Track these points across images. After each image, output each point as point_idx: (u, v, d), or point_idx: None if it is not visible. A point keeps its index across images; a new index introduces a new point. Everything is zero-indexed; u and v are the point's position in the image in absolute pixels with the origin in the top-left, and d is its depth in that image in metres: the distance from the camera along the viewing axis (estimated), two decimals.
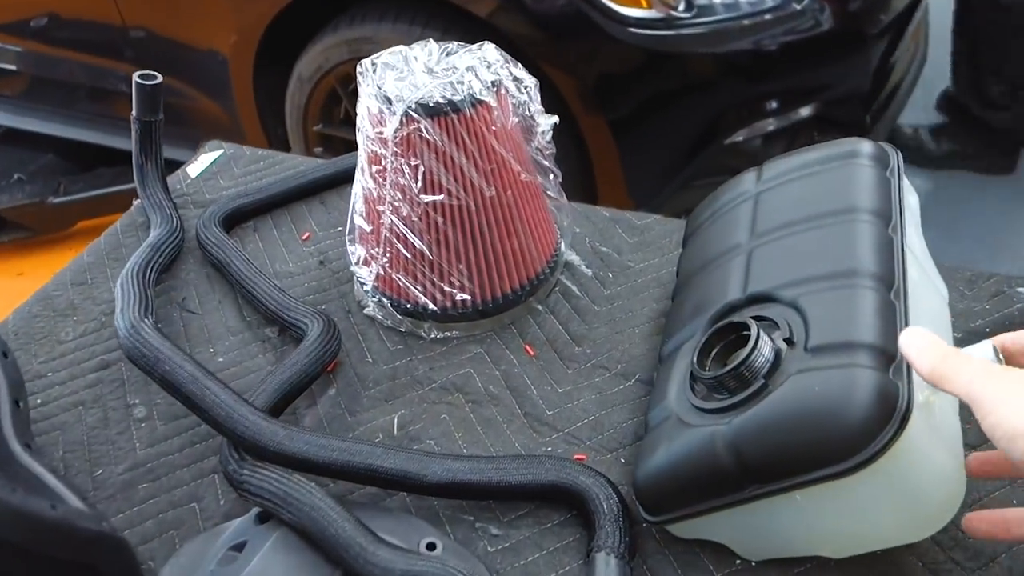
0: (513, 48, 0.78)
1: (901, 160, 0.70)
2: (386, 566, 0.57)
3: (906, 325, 0.57)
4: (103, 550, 0.52)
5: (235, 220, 0.96)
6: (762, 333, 0.58)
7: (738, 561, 0.62)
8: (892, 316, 0.57)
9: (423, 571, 0.56)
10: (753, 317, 0.61)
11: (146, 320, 0.73)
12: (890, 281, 0.60)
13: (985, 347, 0.54)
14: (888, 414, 0.52)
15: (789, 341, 0.58)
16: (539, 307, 0.83)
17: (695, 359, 0.62)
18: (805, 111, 1.82)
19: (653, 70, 1.73)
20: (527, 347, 0.80)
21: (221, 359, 0.82)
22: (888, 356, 0.55)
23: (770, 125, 1.79)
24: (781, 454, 0.55)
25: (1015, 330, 0.76)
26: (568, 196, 0.86)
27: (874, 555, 0.60)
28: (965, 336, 0.76)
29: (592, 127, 1.77)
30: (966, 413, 0.68)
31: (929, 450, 0.55)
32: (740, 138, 1.77)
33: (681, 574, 0.62)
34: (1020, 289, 0.80)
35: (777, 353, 0.58)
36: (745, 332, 0.59)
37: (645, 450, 0.63)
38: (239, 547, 0.63)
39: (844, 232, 0.63)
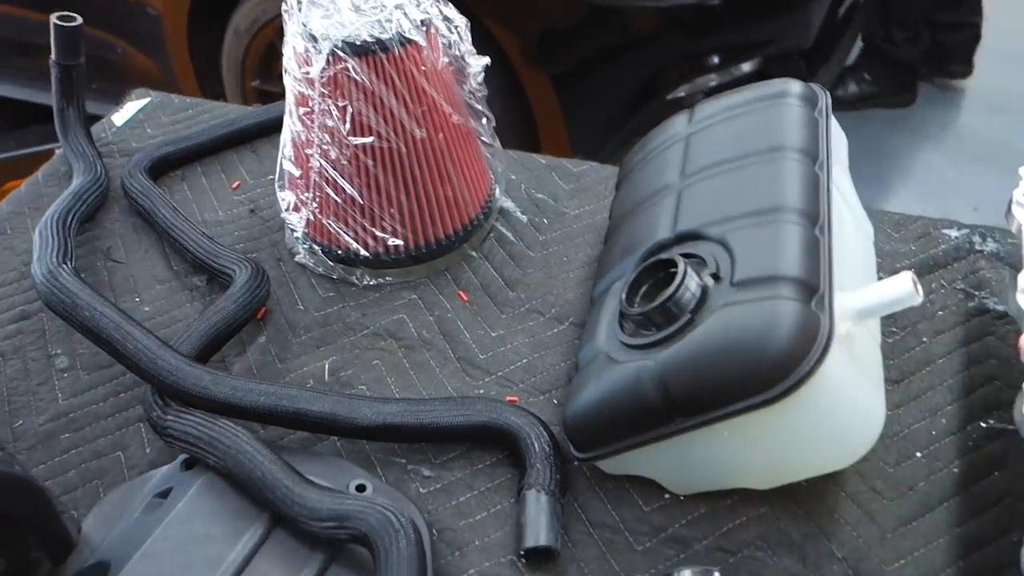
0: (455, 2, 0.76)
1: (829, 100, 0.70)
2: (313, 506, 0.56)
3: (830, 260, 0.58)
4: (13, 493, 0.51)
5: (162, 169, 0.94)
6: (689, 269, 0.58)
7: (667, 495, 0.63)
8: (816, 250, 0.58)
9: (350, 510, 0.55)
10: (682, 255, 0.61)
11: (64, 266, 0.71)
12: (815, 216, 0.60)
13: (904, 278, 0.55)
14: (809, 344, 0.53)
15: (716, 276, 0.59)
16: (473, 253, 0.83)
17: (624, 296, 0.62)
18: (747, 67, 1.83)
19: (596, 24, 1.72)
20: (461, 293, 0.79)
21: (147, 308, 0.80)
22: (811, 288, 0.55)
23: (712, 81, 1.80)
24: (706, 386, 0.55)
25: (940, 270, 0.78)
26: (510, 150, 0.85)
27: (798, 486, 0.61)
28: (892, 274, 0.77)
29: (534, 82, 1.76)
30: (887, 348, 0.69)
31: (850, 380, 0.56)
32: (682, 94, 1.77)
33: (611, 510, 0.63)
34: (946, 230, 0.82)
35: (704, 288, 0.58)
36: (672, 269, 0.59)
37: (575, 389, 0.63)
38: (164, 494, 0.62)
39: (771, 170, 0.64)
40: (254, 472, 0.58)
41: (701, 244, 0.62)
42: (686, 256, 0.61)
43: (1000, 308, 0.74)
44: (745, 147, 0.67)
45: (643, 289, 0.62)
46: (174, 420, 0.63)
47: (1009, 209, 0.68)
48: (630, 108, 1.76)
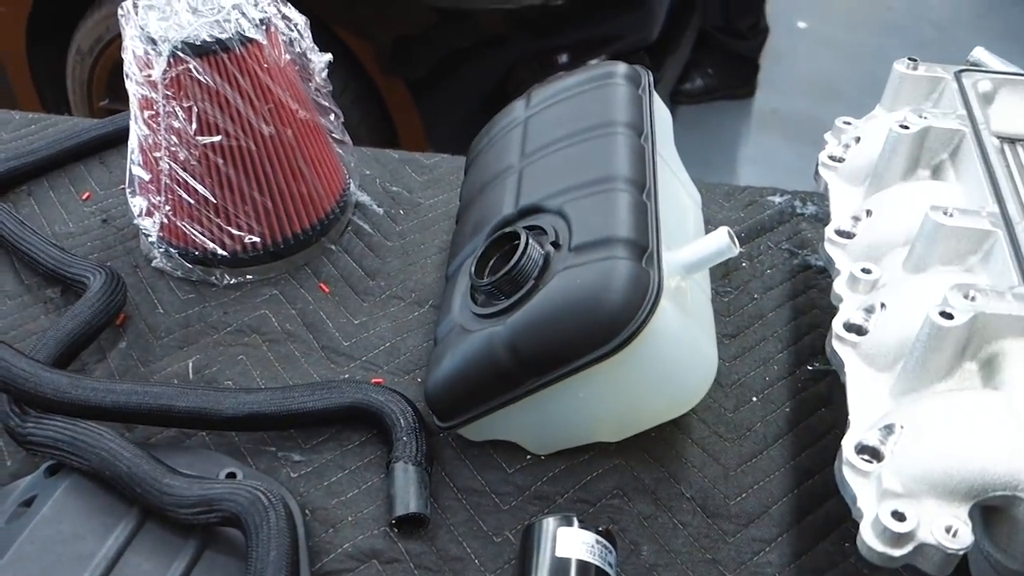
0: (306, 13, 0.78)
1: (651, 79, 0.76)
2: (181, 494, 0.57)
3: (657, 222, 0.63)
4: None
5: (6, 185, 0.91)
6: (531, 239, 0.62)
7: (528, 456, 0.67)
8: (644, 214, 0.63)
9: (218, 493, 0.56)
10: (524, 227, 0.65)
11: None
12: (642, 184, 0.65)
13: (720, 233, 0.60)
14: (641, 298, 0.57)
15: (556, 244, 0.63)
16: (332, 246, 0.85)
17: (473, 270, 0.65)
18: (594, 63, 1.90)
19: (446, 29, 1.76)
20: (322, 285, 0.81)
21: (0, 323, 0.78)
22: (641, 248, 0.60)
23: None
24: (552, 345, 0.59)
25: (767, 233, 0.85)
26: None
27: (648, 436, 0.66)
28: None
29: (391, 88, 1.78)
30: (723, 306, 0.75)
31: (683, 330, 0.61)
32: None
33: (477, 475, 0.66)
34: (770, 197, 0.89)
35: (546, 256, 0.62)
36: (516, 241, 0.63)
37: (433, 362, 0.66)
38: (29, 502, 0.61)
39: (602, 144, 0.68)
40: (119, 468, 0.59)
41: (542, 216, 0.66)
42: (528, 228, 0.65)
43: (820, 263, 0.81)
44: (578, 125, 0.71)
45: (491, 263, 0.66)
46: (34, 427, 0.63)
47: (816, 171, 0.75)
48: (484, 108, 1.80)
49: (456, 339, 0.64)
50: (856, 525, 0.59)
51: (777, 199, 0.88)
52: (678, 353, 0.61)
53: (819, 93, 2.62)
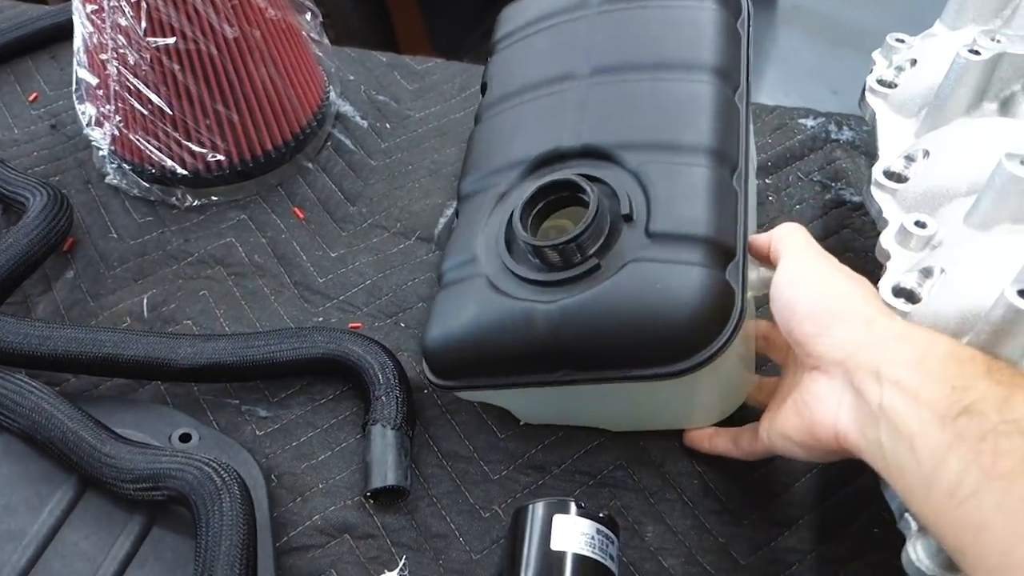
0: None
1: (751, 10, 0.63)
2: (124, 466, 0.50)
3: (746, 217, 0.52)
4: None
5: None
6: (602, 207, 0.51)
7: (522, 423, 0.59)
8: (734, 206, 0.52)
9: (166, 467, 0.49)
10: (588, 176, 0.53)
11: None
12: (733, 162, 0.53)
13: None
14: (723, 321, 0.48)
15: (628, 218, 0.51)
16: (309, 164, 0.75)
17: (519, 216, 0.53)
18: None
19: None
20: (296, 210, 0.72)
21: None
22: (727, 253, 0.50)
23: None
24: (606, 345, 0.49)
25: (796, 161, 0.75)
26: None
27: None
28: None
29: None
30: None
31: (740, 348, 0.52)
32: None
33: (464, 439, 0.59)
34: (802, 120, 0.79)
35: (613, 229, 0.51)
36: (581, 196, 0.52)
37: (441, 308, 0.55)
38: None
39: (691, 94, 0.56)
40: (53, 432, 0.51)
41: (610, 169, 0.54)
42: (592, 180, 0.53)
43: (856, 199, 0.72)
44: (662, 53, 0.58)
45: (538, 207, 0.54)
46: None
47: (863, 96, 0.65)
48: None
49: (483, 295, 0.53)
50: (888, 508, 0.53)
51: (809, 122, 0.79)
52: (732, 375, 0.53)
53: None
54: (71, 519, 0.51)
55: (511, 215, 0.53)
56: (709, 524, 0.55)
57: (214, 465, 0.49)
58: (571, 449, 0.58)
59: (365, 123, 0.79)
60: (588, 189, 0.51)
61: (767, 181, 0.74)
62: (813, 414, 0.44)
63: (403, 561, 0.53)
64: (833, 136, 0.78)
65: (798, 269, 0.48)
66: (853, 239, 0.70)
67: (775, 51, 2.26)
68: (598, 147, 0.55)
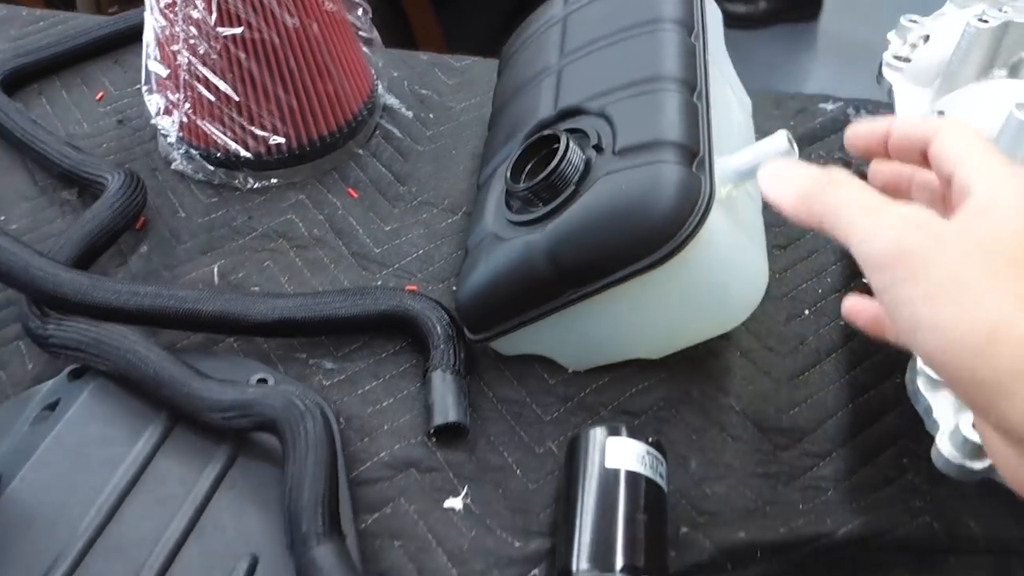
0: None
1: None
2: (213, 397, 0.54)
3: (708, 125, 0.58)
4: None
5: (16, 84, 0.87)
6: (571, 142, 0.58)
7: (570, 371, 0.64)
8: (695, 116, 0.58)
9: (253, 397, 0.54)
10: (564, 130, 0.61)
11: None
12: (692, 84, 0.60)
13: (779, 136, 0.55)
14: (692, 205, 0.53)
15: (598, 148, 0.58)
16: (360, 151, 0.81)
17: (509, 175, 0.61)
18: None
19: None
20: (350, 190, 0.77)
21: (15, 227, 0.75)
22: (691, 152, 0.55)
23: None
24: (594, 254, 0.55)
25: (818, 142, 0.80)
26: None
27: (695, 350, 0.63)
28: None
29: (414, 3, 1.71)
30: (772, 217, 0.71)
31: (732, 241, 0.57)
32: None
33: (517, 385, 0.63)
34: (822, 105, 0.84)
35: (587, 160, 0.58)
36: (555, 144, 0.59)
37: (465, 271, 0.62)
38: (52, 406, 0.59)
39: (648, 41, 0.63)
40: (146, 371, 0.56)
41: (583, 119, 0.62)
42: (569, 131, 0.60)
43: None
44: (623, 21, 0.66)
45: (528, 167, 0.61)
46: (56, 329, 0.60)
47: (880, 72, 0.71)
48: (509, 14, 1.74)
49: (490, 248, 0.60)
50: (915, 440, 0.57)
51: (829, 106, 0.84)
52: (727, 265, 0.57)
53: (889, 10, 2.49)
54: (164, 448, 0.55)
55: (505, 176, 0.61)
56: (749, 456, 0.59)
57: (296, 393, 0.54)
58: (617, 391, 0.62)
59: (410, 114, 0.85)
60: (556, 134, 0.59)
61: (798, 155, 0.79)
62: None
63: (466, 489, 0.57)
64: (852, 118, 0.83)
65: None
66: None
67: (816, 79, 2.28)
68: (569, 107, 0.63)
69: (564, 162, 0.57)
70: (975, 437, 0.43)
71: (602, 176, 0.56)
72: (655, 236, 0.53)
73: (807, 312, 0.68)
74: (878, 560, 0.54)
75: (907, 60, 0.69)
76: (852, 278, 0.70)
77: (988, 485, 0.46)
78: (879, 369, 0.64)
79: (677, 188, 0.53)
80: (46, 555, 0.50)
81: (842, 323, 0.67)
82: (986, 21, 0.62)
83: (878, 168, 0.43)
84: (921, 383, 0.47)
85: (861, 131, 0.43)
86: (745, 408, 0.62)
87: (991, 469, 0.43)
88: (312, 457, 0.51)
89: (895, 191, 0.40)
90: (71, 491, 0.53)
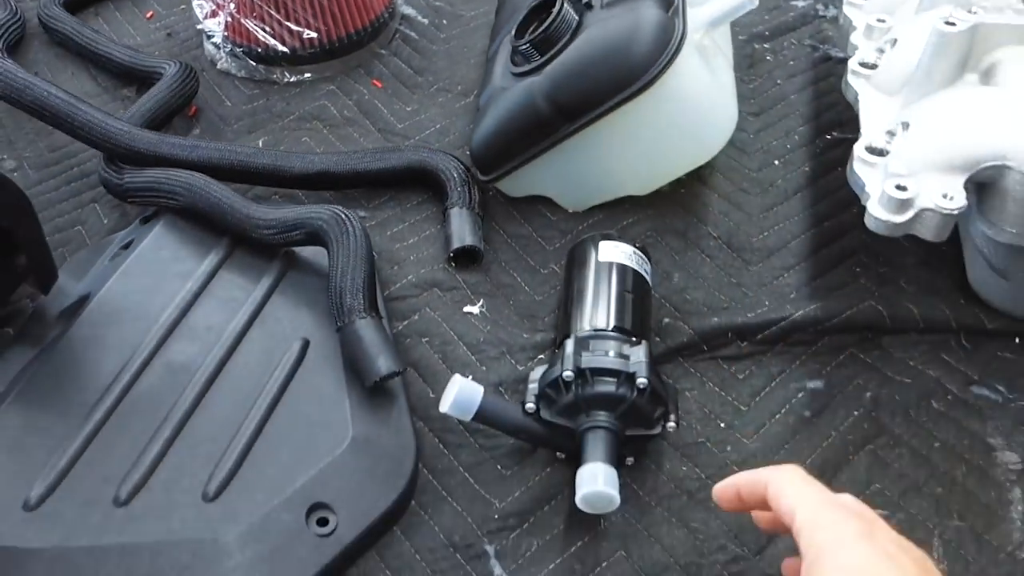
0: None
1: None
2: (269, 217, 0.65)
3: None
4: (7, 199, 0.58)
5: (75, 6, 0.98)
6: (565, 3, 0.68)
7: (570, 210, 0.74)
8: None
9: (303, 214, 0.64)
10: None
11: (5, 60, 0.76)
12: None
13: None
14: (666, 43, 0.63)
15: (588, 5, 0.69)
16: (382, 51, 0.91)
17: (513, 33, 0.71)
18: None
19: None
20: (375, 81, 0.88)
21: None
22: (667, 2, 0.66)
23: None
24: (585, 89, 0.65)
25: (790, 32, 0.90)
26: None
27: (677, 192, 0.73)
28: (749, 38, 0.89)
29: None
30: (748, 92, 0.81)
31: (704, 79, 0.67)
32: None
33: (524, 223, 0.73)
34: (793, 2, 0.94)
35: (579, 16, 0.68)
36: (552, 6, 0.69)
37: (476, 124, 0.73)
38: (127, 246, 0.69)
39: None
40: (212, 200, 0.66)
41: None
42: None
43: (841, 55, 0.87)
44: None
45: (530, 30, 0.71)
46: (131, 177, 0.70)
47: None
48: None
49: (498, 98, 0.70)
50: (869, 255, 0.66)
51: (800, 3, 0.93)
52: (700, 97, 0.67)
53: None
54: (226, 265, 0.66)
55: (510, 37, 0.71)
56: (724, 270, 0.69)
57: (338, 208, 0.64)
58: (610, 224, 0.72)
59: (426, 21, 0.95)
60: None
61: (765, 46, 0.89)
62: None
63: (481, 301, 0.67)
64: (821, 13, 0.93)
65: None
66: (839, 82, 0.83)
67: None
68: None
69: (559, 18, 0.67)
70: (899, 195, 0.52)
71: (591, 25, 0.66)
72: (636, 69, 0.63)
73: (776, 163, 0.77)
74: (833, 343, 0.64)
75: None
76: (818, 135, 0.79)
77: (911, 239, 0.55)
78: (840, 203, 0.73)
79: (654, 28, 0.63)
80: (134, 338, 0.60)
81: (807, 169, 0.76)
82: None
83: (759, 517, 0.48)
84: (858, 166, 0.56)
85: (720, 494, 0.47)
86: (721, 235, 0.71)
87: (911, 223, 0.53)
88: (354, 252, 0.61)
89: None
90: (151, 295, 0.63)
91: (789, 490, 0.42)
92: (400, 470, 0.56)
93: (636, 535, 0.54)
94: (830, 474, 0.57)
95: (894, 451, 0.58)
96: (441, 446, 0.59)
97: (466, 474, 0.57)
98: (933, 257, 0.68)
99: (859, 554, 0.38)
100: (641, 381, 0.52)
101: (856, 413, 0.60)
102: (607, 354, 0.54)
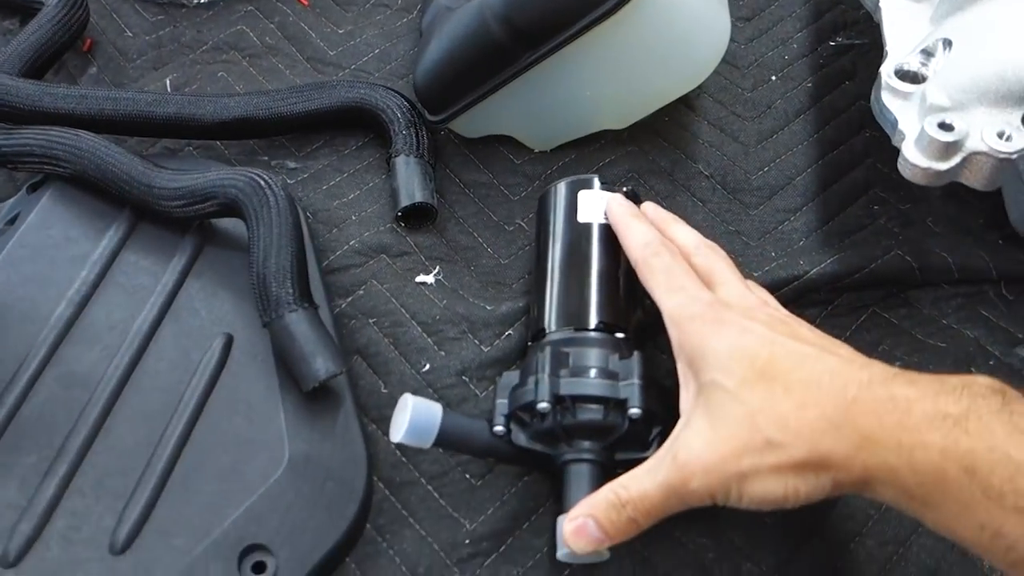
0: None
1: None
2: (172, 186, 0.54)
3: None
4: None
5: None
6: None
7: (536, 150, 0.63)
8: None
9: (214, 181, 0.53)
10: None
11: None
12: None
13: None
14: None
15: None
16: None
17: None
18: None
19: None
20: None
21: None
22: None
23: None
24: (547, 8, 0.54)
25: None
26: None
27: (660, 122, 0.64)
28: None
29: None
30: None
31: None
32: None
33: (483, 168, 0.62)
34: None
35: None
36: None
37: (419, 51, 0.61)
38: (13, 220, 0.58)
39: None
40: (104, 166, 0.55)
41: None
42: None
43: None
44: None
45: None
46: (5, 139, 0.58)
47: None
48: None
49: (443, 21, 0.59)
50: (886, 188, 0.56)
51: None
52: (685, 13, 0.55)
53: None
54: (129, 244, 0.55)
55: None
56: (719, 216, 0.59)
57: (257, 172, 0.53)
58: (584, 167, 0.62)
59: None
60: None
61: None
62: None
63: (437, 268, 0.57)
64: None
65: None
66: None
67: None
68: None
69: None
70: (943, 136, 0.42)
71: None
72: None
73: (774, 78, 0.66)
74: (853, 301, 0.55)
75: None
76: (819, 43, 0.68)
77: (954, 188, 0.45)
78: (849, 125, 0.63)
79: None
80: (20, 346, 0.50)
81: (810, 85, 0.66)
82: None
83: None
84: (886, 97, 0.46)
85: None
86: (714, 173, 0.61)
87: (957, 170, 0.43)
88: (277, 228, 0.50)
89: None
90: (39, 288, 0.52)
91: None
92: (350, 492, 0.47)
93: (634, 557, 0.45)
94: None
95: None
96: (398, 454, 0.50)
97: (429, 487, 0.48)
98: (960, 186, 0.58)
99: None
100: (634, 411, 0.42)
101: None
102: (590, 374, 0.44)
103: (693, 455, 0.38)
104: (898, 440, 0.34)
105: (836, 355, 0.38)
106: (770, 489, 0.36)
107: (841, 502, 0.46)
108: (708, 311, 0.41)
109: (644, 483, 0.39)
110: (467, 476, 0.49)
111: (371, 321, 0.55)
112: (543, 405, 0.42)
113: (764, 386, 0.37)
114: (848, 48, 0.67)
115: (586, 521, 0.40)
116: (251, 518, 0.44)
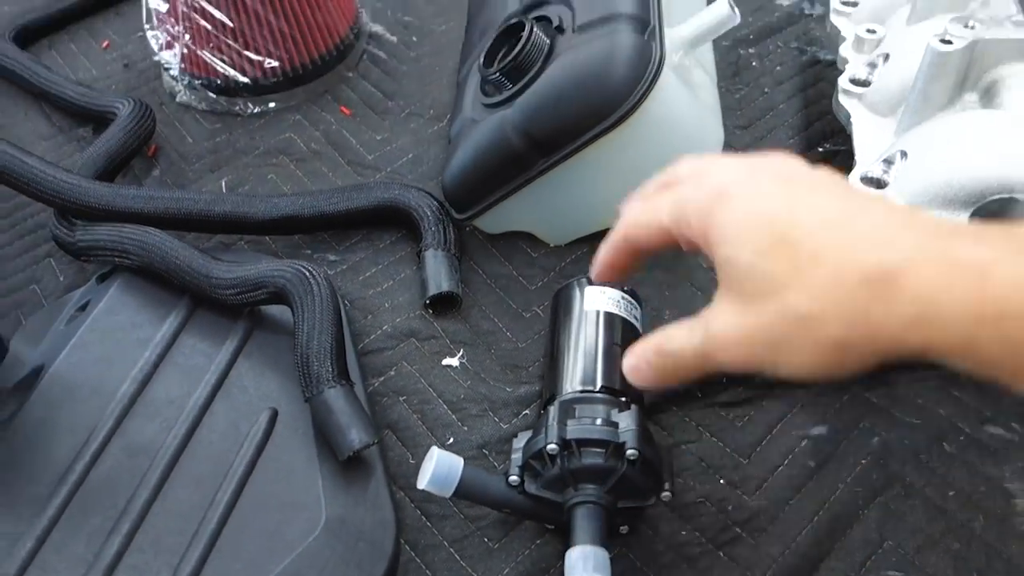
0: None
1: None
2: (227, 277, 0.60)
3: (659, 1, 0.63)
4: None
5: (28, 39, 0.93)
6: (535, 27, 0.64)
7: (552, 244, 0.70)
8: None
9: (264, 272, 0.60)
10: (530, 18, 0.66)
11: None
12: None
13: (721, 3, 0.61)
14: (644, 68, 0.58)
15: (560, 28, 0.64)
16: (349, 74, 0.86)
17: (481, 61, 0.67)
18: None
19: None
20: (343, 108, 0.83)
21: None
22: (643, 23, 0.61)
23: None
24: (560, 121, 0.61)
25: (776, 34, 0.85)
26: None
27: None
28: (733, 43, 0.84)
29: None
30: (734, 103, 0.76)
31: (686, 102, 0.62)
32: None
33: (504, 261, 0.69)
34: (778, 1, 0.89)
35: (550, 41, 0.63)
36: (522, 31, 0.64)
37: (448, 157, 0.69)
38: (84, 307, 0.65)
39: None
40: (168, 259, 0.62)
41: (547, 7, 0.67)
42: (534, 19, 0.66)
43: (829, 57, 0.82)
44: None
45: (499, 56, 0.67)
46: (83, 234, 0.66)
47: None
48: None
49: (468, 131, 0.66)
50: None
51: (785, 2, 0.89)
52: (682, 122, 0.62)
53: None
54: (187, 328, 0.62)
55: (479, 64, 0.66)
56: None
57: (302, 264, 0.60)
58: None
59: (395, 38, 0.90)
60: (522, 20, 0.64)
61: (751, 51, 0.84)
62: None
63: (461, 351, 0.63)
64: (807, 11, 0.88)
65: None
66: (828, 89, 0.79)
67: None
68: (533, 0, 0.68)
69: (529, 44, 0.63)
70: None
71: (564, 52, 0.62)
72: (613, 98, 0.59)
73: None
74: (834, 383, 0.60)
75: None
76: (809, 148, 0.75)
77: None
78: None
79: (630, 53, 0.59)
80: (89, 420, 0.56)
81: None
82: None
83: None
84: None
85: (599, 270, 0.49)
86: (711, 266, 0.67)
87: None
88: (320, 315, 0.57)
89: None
90: (107, 367, 0.59)
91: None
92: (380, 552, 0.52)
93: None
94: (840, 533, 0.53)
95: (907, 502, 0.54)
96: (424, 518, 0.55)
97: (451, 549, 0.54)
98: None
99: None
100: (631, 452, 0.48)
101: (864, 461, 0.56)
102: (594, 422, 0.50)
103: (721, 328, 0.37)
104: (978, 313, 0.29)
105: (871, 211, 0.33)
106: (808, 363, 0.34)
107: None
108: (708, 194, 0.38)
109: (682, 342, 0.40)
110: (485, 540, 0.54)
111: (401, 399, 0.61)
112: (552, 447, 0.48)
113: (787, 253, 0.33)
114: (834, 154, 0.74)
115: (638, 362, 0.43)
116: (291, 574, 0.50)
